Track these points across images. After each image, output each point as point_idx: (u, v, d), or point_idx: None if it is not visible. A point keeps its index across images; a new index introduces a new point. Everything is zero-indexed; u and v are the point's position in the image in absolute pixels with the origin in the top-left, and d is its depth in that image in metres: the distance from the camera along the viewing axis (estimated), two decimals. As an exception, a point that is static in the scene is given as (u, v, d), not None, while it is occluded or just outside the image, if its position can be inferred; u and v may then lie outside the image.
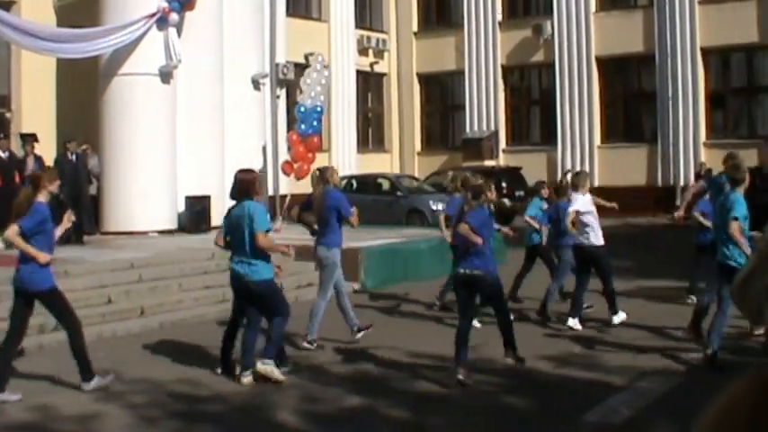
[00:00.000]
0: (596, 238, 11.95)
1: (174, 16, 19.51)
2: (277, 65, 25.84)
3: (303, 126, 21.57)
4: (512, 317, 10.08)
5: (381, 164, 33.67)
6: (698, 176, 28.93)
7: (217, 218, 20.32)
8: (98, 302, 12.51)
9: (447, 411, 8.09)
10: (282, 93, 27.55)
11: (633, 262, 13.81)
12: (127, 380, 9.22)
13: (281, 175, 22.72)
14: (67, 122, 20.99)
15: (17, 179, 16.71)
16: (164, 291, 13.77)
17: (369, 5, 35.72)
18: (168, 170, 19.74)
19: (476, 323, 10.97)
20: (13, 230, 8.58)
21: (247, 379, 9.14)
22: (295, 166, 21.45)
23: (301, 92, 21.98)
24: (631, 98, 33.03)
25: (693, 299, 12.45)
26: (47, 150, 18.27)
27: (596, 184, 28.11)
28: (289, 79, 27.24)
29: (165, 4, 19.40)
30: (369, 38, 34.63)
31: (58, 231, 9.13)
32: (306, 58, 23.72)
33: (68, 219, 9.22)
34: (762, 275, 2.99)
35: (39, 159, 17.32)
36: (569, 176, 14.62)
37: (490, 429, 7.60)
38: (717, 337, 9.37)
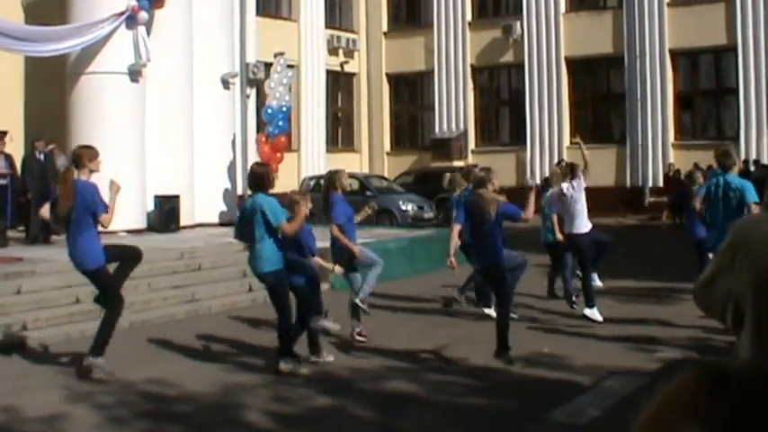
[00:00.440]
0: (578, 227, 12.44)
1: (143, 14, 19.37)
2: (247, 64, 25.82)
3: (270, 128, 21.64)
4: (511, 317, 10.26)
5: (351, 163, 33.59)
6: (666, 177, 29.23)
7: (185, 217, 20.29)
8: (66, 302, 12.42)
9: (416, 412, 8.10)
10: (252, 92, 27.51)
11: (603, 262, 13.91)
12: (95, 380, 9.17)
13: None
14: (35, 121, 20.83)
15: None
16: (132, 290, 13.62)
17: (339, 5, 35.73)
18: (137, 169, 19.57)
19: (491, 312, 11.35)
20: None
21: (304, 370, 9.43)
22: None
23: (267, 95, 22.10)
24: (600, 99, 33.26)
25: None
26: (15, 149, 18.03)
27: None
28: (259, 79, 27.18)
29: (134, 2, 19.23)
30: (339, 37, 34.64)
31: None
32: (275, 56, 23.70)
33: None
34: (724, 277, 3.03)
35: (8, 157, 16.85)
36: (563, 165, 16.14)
37: (459, 429, 7.61)
38: None
